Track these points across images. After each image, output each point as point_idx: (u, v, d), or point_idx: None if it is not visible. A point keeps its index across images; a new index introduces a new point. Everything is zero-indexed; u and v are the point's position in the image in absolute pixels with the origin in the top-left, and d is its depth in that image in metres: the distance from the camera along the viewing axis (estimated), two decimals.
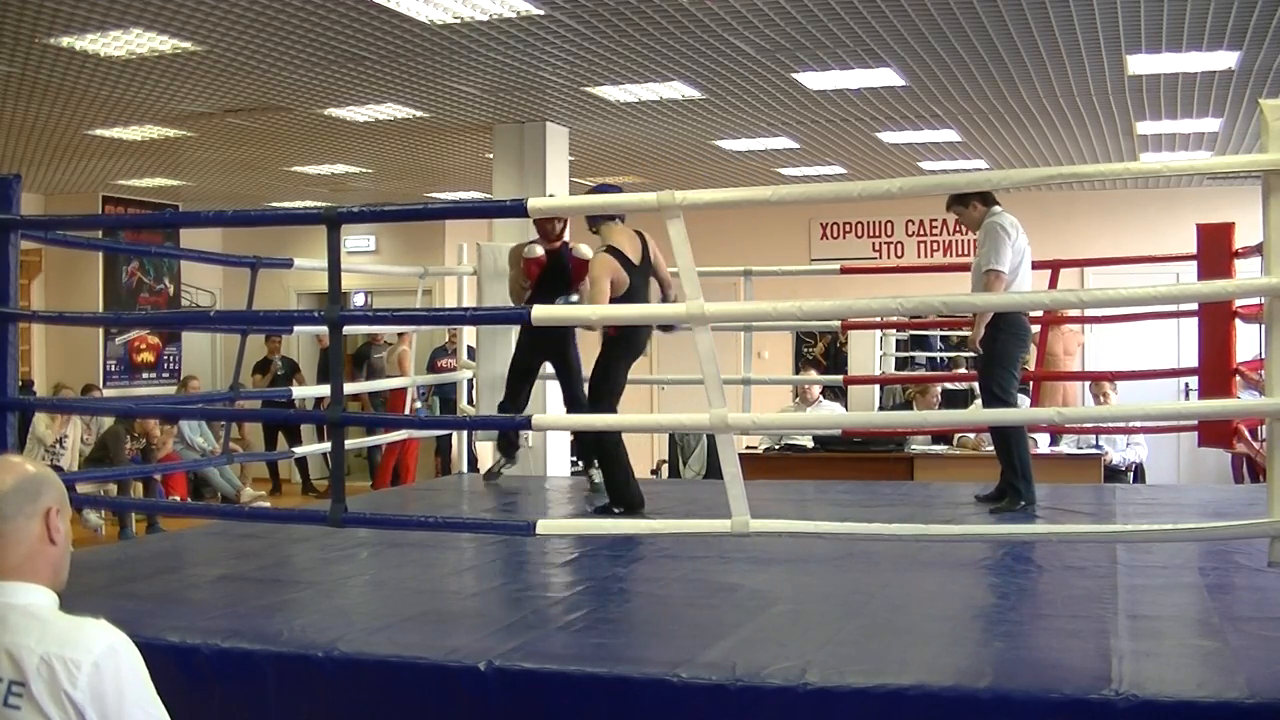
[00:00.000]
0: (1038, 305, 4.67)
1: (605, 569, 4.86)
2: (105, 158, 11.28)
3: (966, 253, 13.98)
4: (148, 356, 14.41)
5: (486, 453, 10.79)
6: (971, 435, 9.55)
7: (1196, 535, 4.75)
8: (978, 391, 10.89)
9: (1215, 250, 6.43)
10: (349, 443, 4.62)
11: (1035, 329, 7.39)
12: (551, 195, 8.39)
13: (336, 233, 4.17)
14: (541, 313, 4.65)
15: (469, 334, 9.46)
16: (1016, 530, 4.56)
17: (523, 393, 6.86)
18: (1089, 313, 9.99)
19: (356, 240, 15.36)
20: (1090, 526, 4.75)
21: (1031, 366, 7.71)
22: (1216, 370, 6.37)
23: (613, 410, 5.97)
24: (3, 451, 4.49)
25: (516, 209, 4.18)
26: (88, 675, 2.00)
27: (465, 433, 8.24)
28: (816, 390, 10.27)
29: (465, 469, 8.25)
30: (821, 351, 14.66)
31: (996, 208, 5.99)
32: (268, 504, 11.72)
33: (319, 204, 14.40)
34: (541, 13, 6.65)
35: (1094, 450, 9.40)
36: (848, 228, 14.48)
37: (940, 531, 4.28)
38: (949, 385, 11.30)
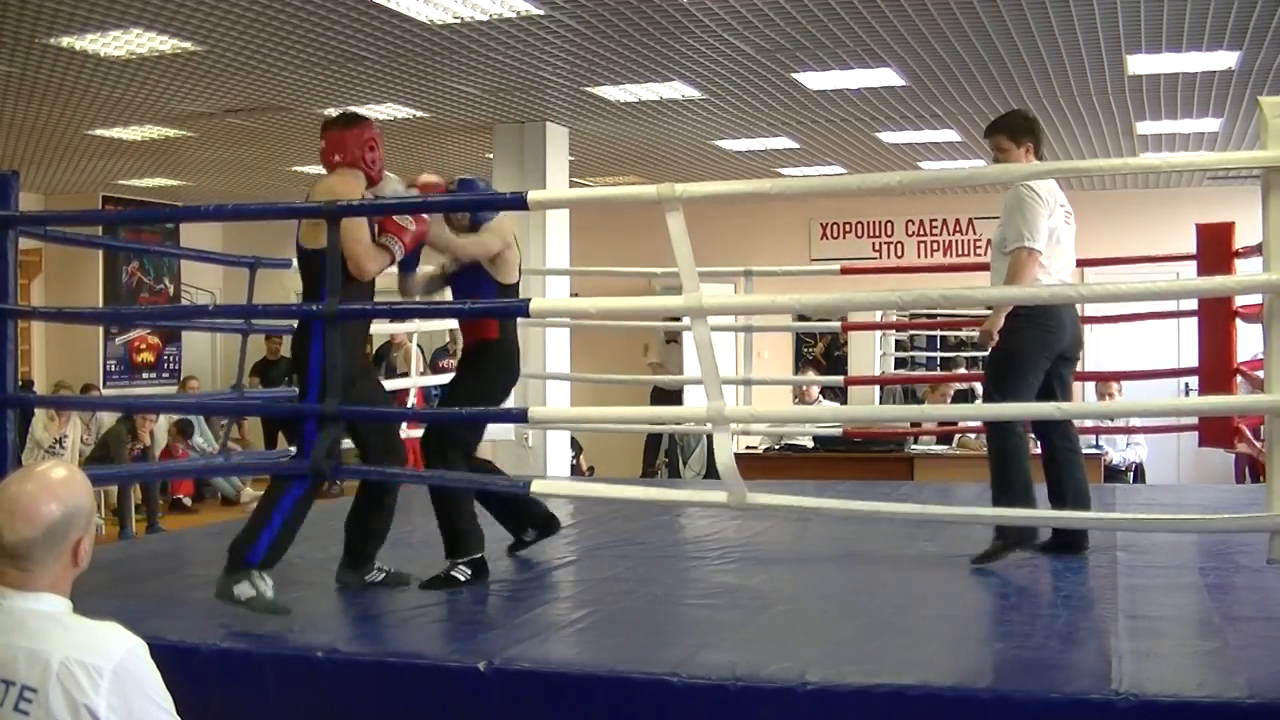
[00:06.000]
0: (1036, 299, 4.64)
1: (605, 569, 4.85)
2: (105, 158, 11.28)
3: (966, 253, 13.91)
4: (148, 356, 14.40)
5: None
6: (972, 435, 9.50)
7: (1197, 526, 4.75)
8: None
9: (1215, 250, 6.41)
10: None
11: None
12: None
13: (336, 227, 4.17)
14: (541, 304, 4.60)
15: None
16: (1016, 514, 4.48)
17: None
18: (1090, 313, 9.98)
19: None
20: (1092, 514, 4.72)
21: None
22: (1217, 370, 6.36)
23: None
24: (2, 450, 4.47)
25: (516, 201, 4.18)
26: (110, 681, 2.02)
27: None
28: (816, 391, 10.26)
29: None
30: (821, 352, 14.63)
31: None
32: None
33: None
34: (541, 13, 6.65)
35: (1094, 450, 9.38)
36: (848, 228, 14.46)
37: (936, 512, 4.25)
38: (958, 385, 11.29)
